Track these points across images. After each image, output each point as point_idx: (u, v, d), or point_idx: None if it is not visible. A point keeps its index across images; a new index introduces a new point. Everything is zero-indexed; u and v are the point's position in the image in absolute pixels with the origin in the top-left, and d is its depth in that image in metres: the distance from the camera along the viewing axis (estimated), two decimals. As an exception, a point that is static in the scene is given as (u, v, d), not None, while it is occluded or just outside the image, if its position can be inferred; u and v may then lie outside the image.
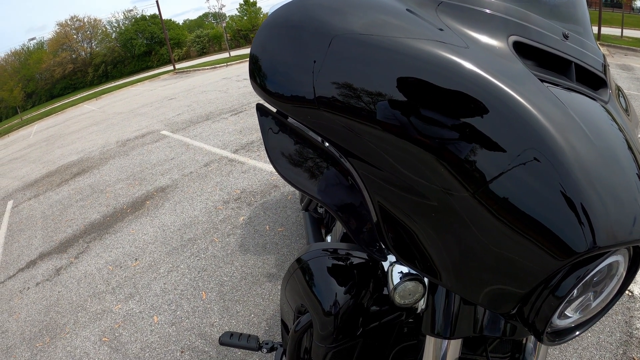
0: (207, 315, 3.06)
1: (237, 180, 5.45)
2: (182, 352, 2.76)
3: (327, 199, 0.90)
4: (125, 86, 29.52)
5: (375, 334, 1.30)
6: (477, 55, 0.78)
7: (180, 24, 67.79)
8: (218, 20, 60.32)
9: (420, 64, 0.74)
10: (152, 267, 3.93)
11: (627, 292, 2.56)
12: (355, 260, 1.24)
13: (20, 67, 60.93)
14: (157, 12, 39.02)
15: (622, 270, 0.80)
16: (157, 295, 3.46)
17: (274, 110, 0.92)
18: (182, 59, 53.03)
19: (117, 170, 7.43)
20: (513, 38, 0.87)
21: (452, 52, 0.76)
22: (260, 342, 1.79)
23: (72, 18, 61.23)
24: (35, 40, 65.44)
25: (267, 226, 4.10)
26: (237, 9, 60.72)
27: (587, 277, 0.72)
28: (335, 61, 0.77)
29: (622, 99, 1.14)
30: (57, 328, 3.40)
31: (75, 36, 61.10)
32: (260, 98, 0.90)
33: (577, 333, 0.84)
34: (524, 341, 1.18)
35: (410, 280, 1.01)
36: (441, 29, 0.82)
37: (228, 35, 49.40)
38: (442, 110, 0.72)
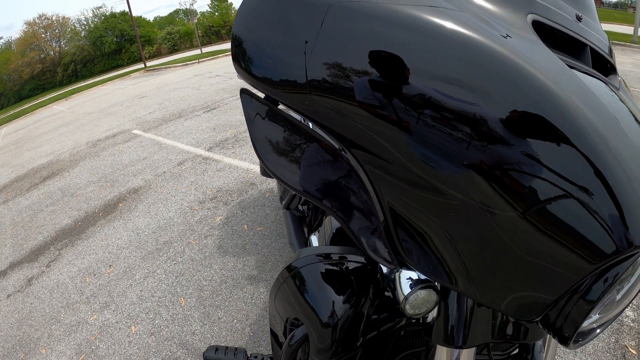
0: (187, 323, 2.94)
1: (213, 179, 5.33)
2: (162, 363, 2.65)
3: (326, 199, 0.82)
4: (95, 85, 29.05)
5: (375, 342, 1.21)
6: (503, 35, 0.69)
7: (151, 20, 67.60)
8: (189, 17, 60.12)
9: (441, 39, 0.65)
10: (127, 273, 3.79)
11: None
12: (352, 265, 1.12)
13: (-13, 69, 59.67)
14: (127, 9, 38.38)
15: None
16: (133, 304, 3.33)
17: (262, 95, 0.82)
18: (153, 56, 52.78)
19: (87, 173, 7.23)
20: (532, 17, 0.79)
21: (474, 30, 0.67)
22: (249, 356, 1.68)
23: (40, 16, 60.46)
24: (2, 40, 64.35)
25: (246, 226, 4.00)
26: (208, 5, 60.79)
27: (619, 279, 0.66)
28: (332, 36, 0.68)
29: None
30: (31, 343, 3.25)
31: (43, 35, 60.30)
32: (245, 83, 0.81)
33: (599, 331, 0.79)
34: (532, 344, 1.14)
35: (422, 288, 0.91)
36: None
37: (199, 31, 49.15)
38: (469, 95, 0.63)
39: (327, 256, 1.17)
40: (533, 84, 0.63)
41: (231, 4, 58.03)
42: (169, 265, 3.72)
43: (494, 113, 0.62)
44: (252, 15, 0.78)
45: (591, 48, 0.87)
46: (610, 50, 0.99)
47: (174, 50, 54.11)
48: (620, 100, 0.79)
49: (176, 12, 71.29)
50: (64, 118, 16.07)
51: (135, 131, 9.30)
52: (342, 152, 0.77)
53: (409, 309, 0.92)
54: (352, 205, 0.80)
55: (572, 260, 0.63)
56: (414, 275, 0.91)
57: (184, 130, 8.21)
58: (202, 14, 61.13)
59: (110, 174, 6.78)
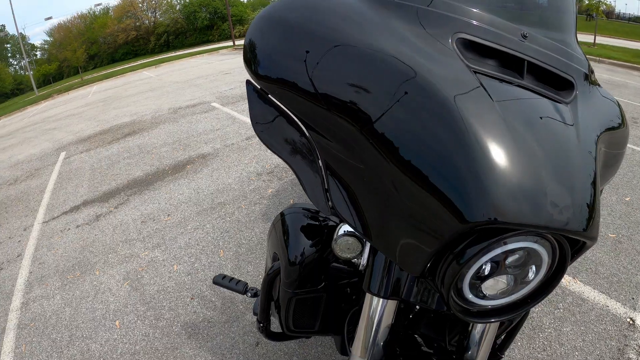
0: (220, 271, 3.31)
1: (274, 156, 5.66)
2: (192, 298, 3.04)
3: (292, 161, 1.11)
4: (185, 57, 30.07)
5: (341, 294, 1.50)
6: (424, 54, 0.94)
7: (244, 1, 68.49)
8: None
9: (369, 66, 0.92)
10: (181, 223, 4.22)
11: (628, 319, 2.58)
12: (330, 224, 1.45)
13: (85, 29, 63.18)
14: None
15: (546, 264, 0.88)
16: (180, 248, 3.75)
17: (259, 87, 1.12)
18: (242, 35, 53.14)
19: (165, 135, 7.76)
20: (458, 35, 0.99)
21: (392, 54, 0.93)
22: (247, 288, 2.00)
23: (138, -13, 62.87)
24: (101, 6, 67.67)
25: (292, 200, 4.32)
26: (301, -10, 60.67)
27: (491, 252, 0.81)
28: (325, 65, 0.95)
29: (609, 108, 1.20)
30: (88, 265, 3.74)
31: (140, 5, 62.71)
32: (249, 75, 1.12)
33: (493, 320, 0.94)
34: (470, 327, 1.25)
35: (350, 236, 1.19)
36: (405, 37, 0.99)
37: (290, 16, 49.36)
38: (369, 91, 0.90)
39: (311, 212, 1.53)
40: (412, 75, 0.88)
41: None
42: (218, 222, 4.11)
43: (386, 99, 0.88)
44: (266, 27, 1.07)
45: (532, 63, 1.02)
46: (583, 72, 1.13)
47: (263, 32, 54.57)
48: (541, 109, 0.95)
49: (270, -6, 72.34)
50: (151, 84, 16.91)
51: (214, 104, 9.77)
52: (304, 130, 1.06)
53: (337, 251, 1.21)
54: (306, 167, 1.08)
55: (443, 216, 0.78)
56: (351, 228, 1.19)
57: (259, 109, 8.54)
58: (296, -3, 61.54)
59: (184, 138, 7.26)
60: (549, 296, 2.72)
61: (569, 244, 0.86)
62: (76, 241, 4.23)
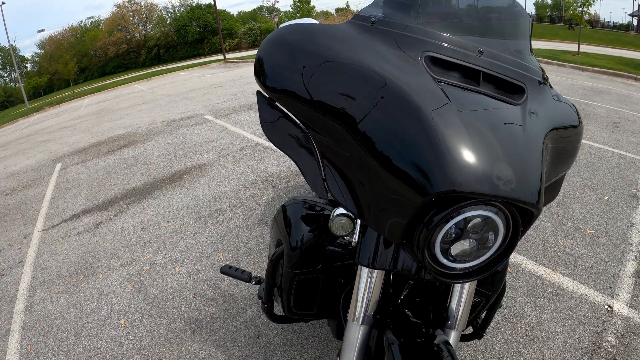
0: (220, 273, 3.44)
1: (268, 165, 5.85)
2: (194, 297, 3.19)
3: (294, 155, 1.31)
4: (176, 70, 30.24)
5: (336, 279, 1.70)
6: (396, 66, 1.14)
7: (234, 15, 69.29)
8: (271, 15, 61.29)
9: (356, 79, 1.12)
10: (181, 229, 4.37)
11: (606, 306, 2.74)
12: (325, 212, 1.66)
13: (76, 42, 63.46)
14: (212, 2, 39.95)
15: (502, 231, 1.05)
16: (181, 252, 3.90)
17: (267, 95, 1.32)
18: (233, 49, 53.62)
19: (160, 146, 7.90)
20: (426, 53, 1.20)
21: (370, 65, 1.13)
22: (251, 276, 2.20)
23: (129, 0, 63.56)
24: (92, 19, 68.00)
25: (287, 205, 4.46)
26: (291, 5, 61.49)
27: (454, 219, 0.98)
28: (318, 76, 1.15)
29: (561, 109, 1.38)
30: (90, 269, 3.87)
31: (131, 18, 63.33)
32: (258, 87, 1.32)
33: (463, 280, 1.12)
34: (448, 302, 1.43)
35: (343, 216, 1.38)
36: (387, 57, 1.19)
37: (280, 30, 49.89)
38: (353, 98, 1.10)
39: (309, 203, 1.74)
40: (387, 84, 1.07)
41: (313, 6, 58.54)
42: (216, 227, 4.27)
43: (367, 104, 1.07)
44: (270, 49, 1.27)
45: (486, 73, 1.22)
46: (538, 80, 1.33)
47: (253, 45, 54.49)
48: (493, 109, 1.13)
49: (259, 8, 73.50)
50: (143, 97, 17.04)
51: (207, 116, 9.94)
52: (304, 129, 1.27)
53: (333, 229, 1.40)
54: (306, 159, 1.28)
55: (412, 193, 0.95)
56: (345, 211, 1.38)
57: (251, 120, 8.76)
58: (285, 12, 62.36)
59: (180, 150, 7.42)
60: (530, 287, 2.91)
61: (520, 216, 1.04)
62: (78, 247, 4.36)
